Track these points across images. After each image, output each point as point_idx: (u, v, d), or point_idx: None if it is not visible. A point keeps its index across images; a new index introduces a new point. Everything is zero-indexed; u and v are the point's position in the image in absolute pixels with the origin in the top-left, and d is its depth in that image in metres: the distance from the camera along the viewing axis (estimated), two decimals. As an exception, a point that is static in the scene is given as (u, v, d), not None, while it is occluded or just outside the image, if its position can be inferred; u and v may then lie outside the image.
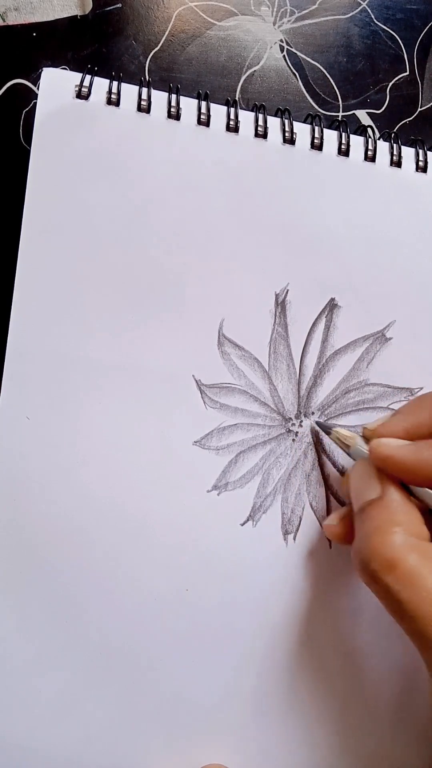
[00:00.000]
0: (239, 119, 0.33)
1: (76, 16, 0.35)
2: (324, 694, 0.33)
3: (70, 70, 0.33)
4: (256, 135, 0.33)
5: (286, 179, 0.34)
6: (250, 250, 0.34)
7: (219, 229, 0.33)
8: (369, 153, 0.34)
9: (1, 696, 0.31)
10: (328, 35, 0.37)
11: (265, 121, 0.34)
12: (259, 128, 0.33)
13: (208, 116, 0.33)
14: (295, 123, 0.34)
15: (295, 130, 0.34)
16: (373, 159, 0.35)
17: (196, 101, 0.33)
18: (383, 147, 0.35)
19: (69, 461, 0.32)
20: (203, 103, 0.33)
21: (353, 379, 0.35)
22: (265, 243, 0.34)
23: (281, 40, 0.37)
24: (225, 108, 0.33)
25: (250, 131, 0.33)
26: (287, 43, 0.37)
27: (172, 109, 0.33)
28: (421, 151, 0.35)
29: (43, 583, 0.32)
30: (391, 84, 0.38)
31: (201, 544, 0.33)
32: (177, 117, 0.33)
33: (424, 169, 0.35)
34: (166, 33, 0.36)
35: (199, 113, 0.33)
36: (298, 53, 0.37)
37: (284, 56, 0.37)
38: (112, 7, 0.35)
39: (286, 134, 0.34)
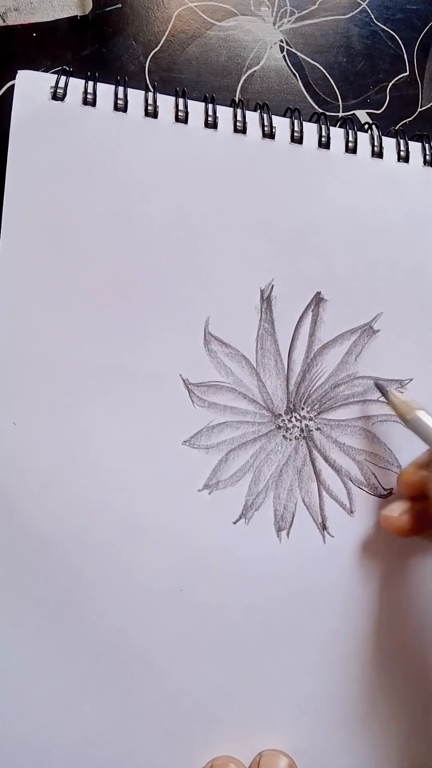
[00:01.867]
0: (217, 116, 0.33)
1: (76, 16, 0.35)
2: (322, 689, 0.33)
3: (71, 70, 0.33)
4: (235, 131, 0.34)
5: (273, 175, 0.34)
6: (235, 248, 0.34)
7: (204, 226, 0.33)
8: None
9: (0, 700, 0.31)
10: (328, 35, 0.37)
11: (244, 117, 0.34)
12: (238, 124, 0.34)
13: (186, 114, 0.33)
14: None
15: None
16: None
17: (173, 98, 0.33)
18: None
19: (57, 465, 0.32)
20: (180, 101, 0.33)
21: (342, 372, 0.35)
22: (249, 239, 0.34)
23: (281, 41, 0.37)
24: (203, 105, 0.34)
25: (228, 127, 0.34)
26: (287, 44, 0.37)
27: (149, 108, 0.33)
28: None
29: (38, 586, 0.31)
30: (391, 84, 0.38)
31: (194, 543, 0.33)
32: (154, 115, 0.33)
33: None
34: (166, 33, 0.36)
35: (177, 111, 0.33)
36: (298, 53, 0.37)
37: (284, 56, 0.37)
38: (112, 8, 0.36)
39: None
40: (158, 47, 0.36)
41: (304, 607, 0.33)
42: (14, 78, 0.32)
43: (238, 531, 0.33)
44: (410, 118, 0.38)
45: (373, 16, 0.38)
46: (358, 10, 0.37)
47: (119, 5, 0.36)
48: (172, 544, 0.32)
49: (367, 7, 0.38)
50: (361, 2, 0.37)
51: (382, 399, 0.34)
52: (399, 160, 0.35)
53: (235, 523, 0.33)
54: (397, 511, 0.31)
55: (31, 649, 0.31)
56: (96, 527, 0.32)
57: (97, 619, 0.32)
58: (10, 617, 0.31)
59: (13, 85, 0.34)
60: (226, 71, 0.37)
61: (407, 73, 0.38)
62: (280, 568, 0.33)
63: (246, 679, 0.33)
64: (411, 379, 0.35)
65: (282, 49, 0.37)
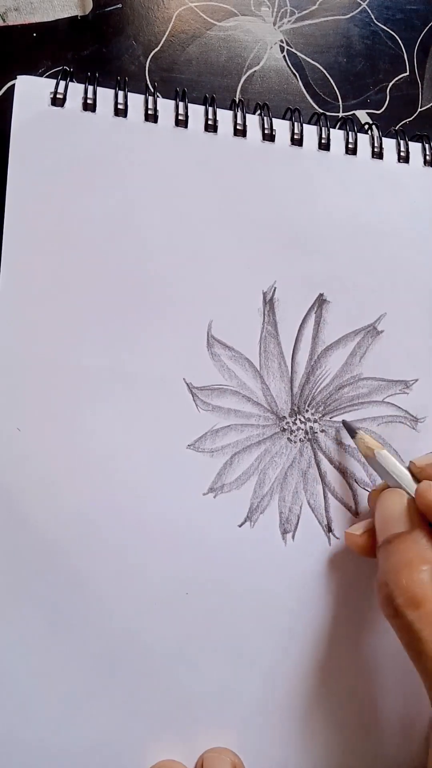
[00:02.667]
0: (217, 119, 0.33)
1: (77, 16, 0.35)
2: (327, 693, 0.33)
3: (71, 69, 0.33)
4: (235, 134, 0.34)
5: (274, 178, 0.34)
6: (236, 251, 0.34)
7: (206, 230, 0.33)
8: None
9: (5, 706, 0.31)
10: (328, 35, 0.37)
11: (244, 119, 0.34)
12: (238, 126, 0.34)
13: (186, 117, 0.33)
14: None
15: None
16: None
17: (173, 102, 0.33)
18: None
19: (61, 470, 0.32)
20: (180, 104, 0.33)
21: (346, 374, 0.34)
22: (250, 242, 0.34)
23: (281, 41, 0.37)
24: (203, 108, 0.33)
25: (229, 130, 0.34)
26: (287, 44, 0.37)
27: (149, 111, 0.33)
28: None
29: (44, 590, 0.31)
30: (391, 84, 0.38)
31: (199, 546, 0.32)
32: (155, 119, 0.33)
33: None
34: (167, 33, 0.36)
35: (177, 114, 0.33)
36: (299, 53, 0.37)
37: (284, 56, 0.37)
38: (112, 8, 0.36)
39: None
40: (158, 47, 0.36)
41: (308, 610, 0.33)
42: (14, 78, 0.32)
43: (244, 534, 0.33)
44: (410, 119, 0.38)
45: (373, 17, 0.38)
46: (359, 10, 0.37)
47: (119, 5, 0.36)
48: (177, 547, 0.32)
49: (367, 8, 0.37)
50: (361, 2, 0.37)
51: (388, 400, 0.34)
52: (399, 160, 0.35)
53: (240, 526, 0.33)
54: (360, 530, 0.32)
55: (38, 653, 0.31)
56: (101, 531, 0.32)
57: (101, 624, 0.31)
58: (17, 621, 0.31)
59: (13, 85, 0.34)
60: (227, 71, 0.37)
61: (407, 73, 0.38)
62: (285, 570, 0.33)
63: (252, 681, 0.33)
64: (416, 380, 0.35)
65: (282, 49, 0.37)
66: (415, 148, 0.36)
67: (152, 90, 0.33)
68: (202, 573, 0.32)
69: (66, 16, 0.35)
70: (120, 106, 0.33)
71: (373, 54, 0.38)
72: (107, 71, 0.35)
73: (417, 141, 0.35)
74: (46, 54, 0.35)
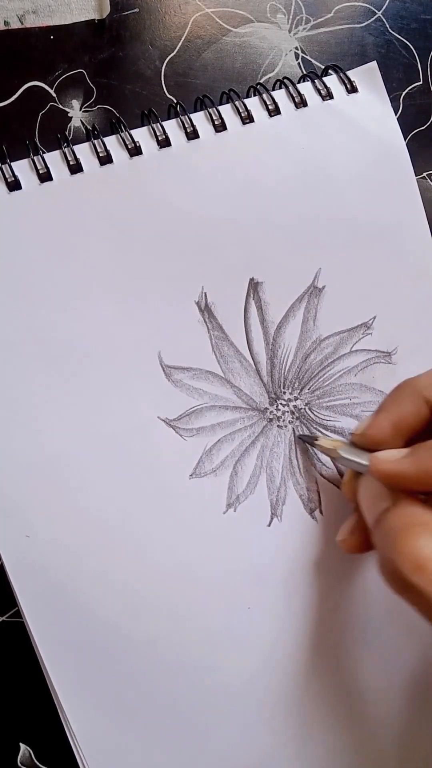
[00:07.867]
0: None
1: (94, 20, 0.35)
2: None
3: (87, 73, 0.33)
4: (160, 145, 0.33)
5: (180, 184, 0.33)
6: (164, 274, 0.33)
7: (140, 262, 0.32)
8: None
9: None
10: (342, 44, 0.37)
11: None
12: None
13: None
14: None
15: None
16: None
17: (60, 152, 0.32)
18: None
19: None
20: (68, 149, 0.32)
21: (307, 342, 0.34)
22: (175, 258, 0.33)
23: (296, 48, 0.37)
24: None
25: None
26: (302, 51, 0.37)
27: (41, 171, 0.32)
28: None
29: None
30: (404, 93, 0.38)
31: (224, 554, 0.33)
32: (77, 170, 0.32)
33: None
34: (183, 38, 0.36)
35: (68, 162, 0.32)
36: (313, 61, 0.37)
37: (299, 63, 0.37)
38: (129, 12, 0.36)
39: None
40: (174, 52, 0.36)
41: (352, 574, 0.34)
42: (32, 80, 0.32)
43: (275, 531, 0.33)
44: (423, 127, 0.38)
45: (387, 26, 0.38)
46: (373, 19, 0.38)
47: (137, 10, 0.36)
48: (202, 559, 0.32)
49: (382, 16, 0.38)
50: (377, 11, 0.38)
51: (356, 348, 0.34)
52: (324, 99, 0.34)
53: (269, 526, 0.33)
54: (347, 533, 0.31)
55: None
56: (117, 569, 0.32)
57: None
58: None
59: (28, 88, 0.34)
60: (241, 77, 0.37)
61: (420, 82, 0.38)
62: (325, 546, 0.33)
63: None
64: (374, 317, 0.34)
65: (297, 56, 0.37)
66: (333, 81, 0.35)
67: (41, 151, 0.32)
68: (237, 579, 0.33)
69: (83, 19, 0.35)
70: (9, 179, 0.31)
71: (386, 63, 0.38)
72: (123, 74, 0.35)
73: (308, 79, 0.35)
74: (62, 57, 0.35)
